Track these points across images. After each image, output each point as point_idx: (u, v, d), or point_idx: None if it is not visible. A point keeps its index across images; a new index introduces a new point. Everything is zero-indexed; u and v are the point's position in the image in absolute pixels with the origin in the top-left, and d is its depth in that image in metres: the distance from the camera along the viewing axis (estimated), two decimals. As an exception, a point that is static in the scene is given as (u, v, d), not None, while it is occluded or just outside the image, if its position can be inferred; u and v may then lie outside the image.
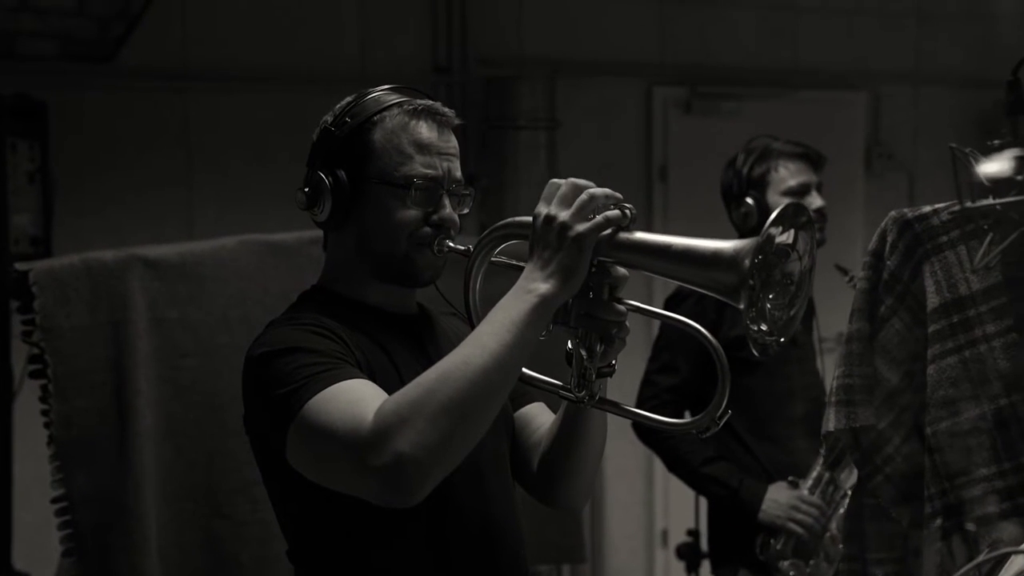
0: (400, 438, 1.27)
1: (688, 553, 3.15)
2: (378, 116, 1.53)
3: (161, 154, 3.86)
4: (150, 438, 2.30)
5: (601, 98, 4.38)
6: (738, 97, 4.50)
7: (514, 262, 1.46)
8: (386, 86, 1.58)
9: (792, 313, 1.29)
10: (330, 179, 1.52)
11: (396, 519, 1.42)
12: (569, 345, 1.42)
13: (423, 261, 1.53)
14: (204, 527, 2.36)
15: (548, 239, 1.35)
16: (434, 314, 1.66)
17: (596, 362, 1.40)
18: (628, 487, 4.43)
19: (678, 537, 3.36)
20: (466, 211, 1.57)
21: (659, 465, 4.47)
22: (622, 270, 1.38)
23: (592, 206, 1.35)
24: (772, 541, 2.52)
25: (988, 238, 1.54)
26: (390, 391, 1.36)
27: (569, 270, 1.34)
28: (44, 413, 2.27)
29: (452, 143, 1.56)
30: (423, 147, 1.52)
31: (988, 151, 1.59)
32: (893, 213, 1.72)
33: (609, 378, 1.44)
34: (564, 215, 1.35)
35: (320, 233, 1.64)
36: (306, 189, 1.55)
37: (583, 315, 1.38)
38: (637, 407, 1.51)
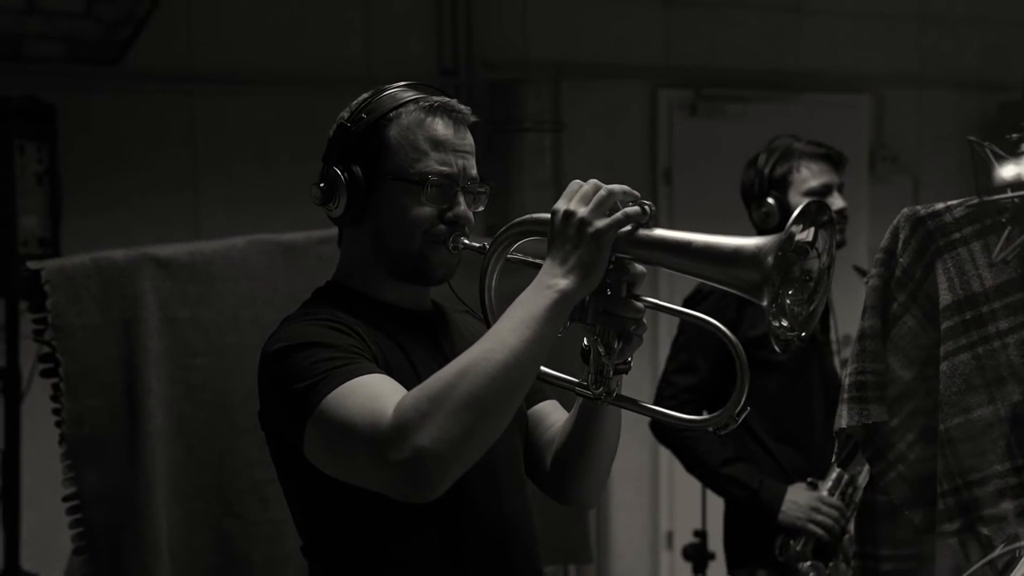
0: (420, 433, 1.28)
1: (695, 554, 3.16)
2: (394, 112, 1.53)
3: (168, 156, 3.87)
4: (161, 437, 2.30)
5: (606, 101, 4.39)
6: (743, 100, 4.51)
7: (530, 259, 1.47)
8: (402, 83, 1.58)
9: (812, 309, 1.30)
10: (345, 175, 1.52)
11: (411, 514, 1.42)
12: (585, 342, 1.43)
13: (437, 258, 1.53)
14: (215, 526, 2.36)
15: (567, 235, 1.35)
16: (448, 311, 1.66)
17: (613, 359, 1.40)
18: (634, 489, 4.43)
19: (683, 539, 3.37)
20: (481, 208, 1.58)
21: (664, 467, 4.49)
22: (640, 267, 1.39)
23: (611, 202, 1.36)
24: (792, 542, 2.52)
25: (1007, 232, 1.54)
26: (407, 387, 1.36)
27: (588, 266, 1.34)
28: (55, 412, 2.27)
29: (468, 140, 1.56)
30: (439, 144, 1.52)
31: (1006, 145, 1.59)
32: (906, 210, 1.72)
33: (625, 375, 1.44)
34: (583, 211, 1.35)
35: (330, 233, 1.64)
36: (321, 184, 1.55)
37: (601, 312, 1.39)
38: (656, 406, 1.51)
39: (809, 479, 2.54)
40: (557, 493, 1.63)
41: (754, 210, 2.66)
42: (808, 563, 2.48)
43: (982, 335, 1.66)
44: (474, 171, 1.55)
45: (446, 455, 1.28)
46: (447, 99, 1.56)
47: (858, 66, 4.72)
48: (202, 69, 3.87)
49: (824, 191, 2.60)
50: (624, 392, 1.46)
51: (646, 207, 1.36)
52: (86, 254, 2.34)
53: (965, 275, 1.67)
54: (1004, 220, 1.57)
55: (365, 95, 1.58)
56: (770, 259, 1.23)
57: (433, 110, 1.53)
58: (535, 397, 1.65)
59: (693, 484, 3.16)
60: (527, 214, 1.46)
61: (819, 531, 2.49)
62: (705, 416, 1.40)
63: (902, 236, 1.73)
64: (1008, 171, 1.65)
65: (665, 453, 4.38)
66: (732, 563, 2.70)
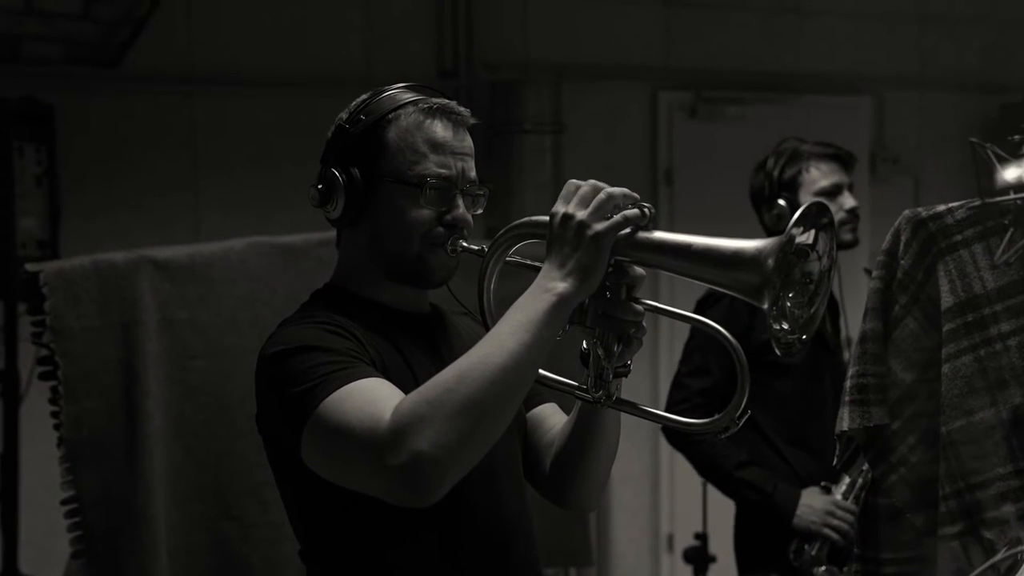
0: (418, 437, 1.27)
1: (695, 557, 3.15)
2: (393, 114, 1.52)
3: (167, 158, 3.86)
4: (159, 439, 2.30)
5: (607, 102, 4.38)
6: (743, 102, 4.50)
7: (528, 262, 1.46)
8: (401, 84, 1.57)
9: (812, 311, 1.29)
10: (344, 176, 1.52)
11: (409, 519, 1.42)
12: (584, 345, 1.42)
13: (436, 261, 1.53)
14: (213, 529, 2.36)
15: (566, 238, 1.35)
16: (447, 314, 1.65)
17: (613, 362, 1.40)
18: (634, 491, 4.43)
19: (684, 542, 3.36)
20: (480, 211, 1.57)
21: (665, 470, 4.49)
22: (639, 270, 1.38)
23: (610, 205, 1.35)
24: (806, 547, 2.51)
25: (1009, 234, 1.54)
26: (404, 391, 1.36)
27: (587, 269, 1.33)
28: (54, 415, 2.26)
29: (467, 142, 1.55)
30: (437, 146, 1.52)
31: (1007, 146, 1.59)
32: (907, 212, 1.72)
33: (625, 378, 1.44)
34: (582, 214, 1.34)
35: (329, 235, 1.63)
36: (319, 186, 1.54)
37: (600, 315, 1.38)
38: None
39: (823, 483, 2.53)
40: (556, 497, 1.62)
41: (765, 213, 2.66)
42: (823, 568, 2.47)
43: (984, 337, 1.65)
44: (473, 173, 1.55)
45: (444, 459, 1.27)
46: (446, 101, 1.55)
47: (858, 67, 4.71)
48: (201, 71, 3.87)
49: (835, 191, 2.60)
50: (623, 395, 1.45)
51: (645, 210, 1.35)
52: (85, 256, 2.34)
53: (967, 277, 1.67)
54: (1006, 222, 1.57)
55: (364, 96, 1.57)
56: (770, 261, 1.23)
57: (432, 112, 1.53)
58: (534, 400, 1.64)
59: (694, 487, 3.16)
60: (526, 216, 1.46)
61: (834, 535, 2.48)
62: (706, 419, 1.39)
63: (903, 238, 1.72)
64: (1010, 173, 1.65)
65: (665, 456, 4.41)
66: (743, 568, 2.68)
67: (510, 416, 1.34)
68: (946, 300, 1.68)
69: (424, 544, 1.46)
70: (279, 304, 2.26)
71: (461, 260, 1.54)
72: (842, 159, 2.64)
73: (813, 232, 1.27)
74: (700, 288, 2.58)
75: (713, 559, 3.15)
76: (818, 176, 2.60)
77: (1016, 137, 1.61)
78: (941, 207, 1.71)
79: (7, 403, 3.26)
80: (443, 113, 1.53)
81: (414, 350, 1.53)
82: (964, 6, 4.82)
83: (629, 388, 1.46)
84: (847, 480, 2.51)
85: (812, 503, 2.49)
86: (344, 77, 3.96)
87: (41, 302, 2.24)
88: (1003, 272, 1.64)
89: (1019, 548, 1.38)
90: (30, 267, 2.29)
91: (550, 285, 1.34)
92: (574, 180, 1.38)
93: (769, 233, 2.63)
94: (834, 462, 2.41)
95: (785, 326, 1.26)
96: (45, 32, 3.57)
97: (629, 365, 1.43)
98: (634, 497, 4.43)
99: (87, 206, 3.64)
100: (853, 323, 2.73)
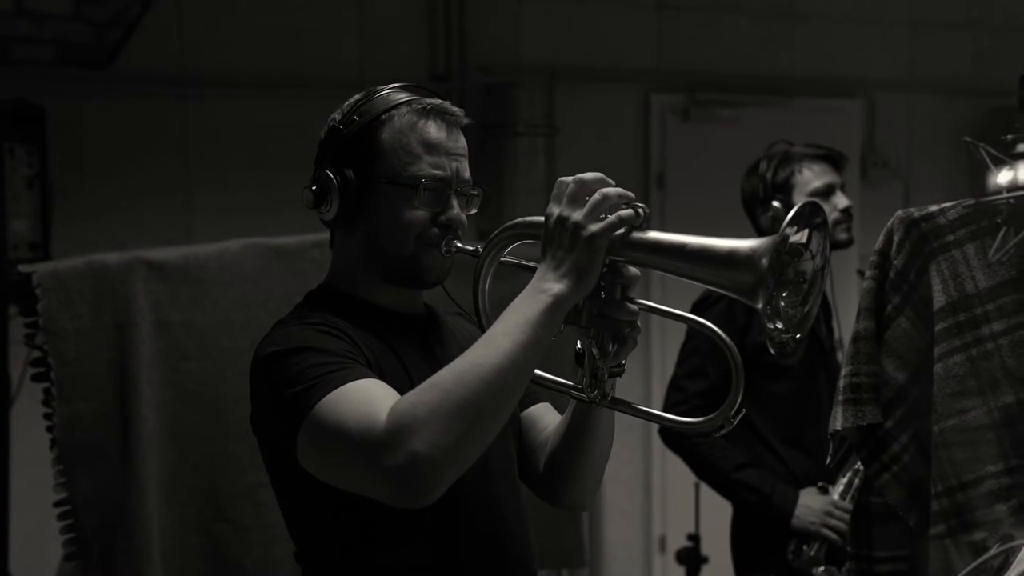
0: (415, 438, 1.27)
1: (688, 558, 3.15)
2: (387, 115, 1.52)
3: (159, 160, 3.85)
4: (153, 441, 2.29)
5: (599, 105, 4.39)
6: (735, 104, 4.51)
7: (524, 263, 1.46)
8: (395, 84, 1.57)
9: (806, 310, 1.30)
10: (338, 178, 1.52)
11: (405, 519, 1.42)
12: (579, 345, 1.42)
13: (430, 262, 1.53)
14: (207, 531, 2.35)
15: (561, 239, 1.35)
16: (441, 314, 1.65)
17: (608, 362, 1.40)
18: (626, 493, 4.43)
19: (676, 543, 3.36)
20: (473, 211, 1.57)
21: (657, 471, 4.49)
22: (634, 270, 1.38)
23: (605, 205, 1.35)
24: (805, 547, 2.51)
25: (1002, 233, 1.54)
26: (400, 391, 1.36)
27: (582, 270, 1.34)
28: (47, 416, 2.26)
29: (461, 143, 1.56)
30: (432, 147, 1.52)
31: (1001, 146, 1.60)
32: (900, 212, 1.73)
33: (619, 377, 1.44)
34: (577, 215, 1.35)
35: (323, 237, 1.63)
36: (313, 187, 1.54)
37: (596, 315, 1.38)
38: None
39: (820, 484, 2.54)
40: (550, 496, 1.63)
41: (760, 215, 2.67)
42: (822, 568, 2.48)
43: (976, 337, 1.66)
44: (467, 174, 1.55)
45: (441, 460, 1.27)
46: (440, 101, 1.55)
47: (850, 71, 4.73)
48: (194, 72, 3.86)
49: (828, 191, 2.61)
50: (617, 394, 1.45)
51: (640, 210, 1.36)
52: (78, 257, 2.33)
53: (959, 277, 1.68)
54: (999, 221, 1.57)
55: (357, 96, 1.57)
56: (764, 261, 1.23)
57: (426, 112, 1.53)
58: (528, 400, 1.65)
59: (686, 488, 3.17)
60: (520, 217, 1.46)
61: (833, 535, 2.48)
62: (700, 419, 1.39)
63: (896, 238, 1.73)
64: (1003, 177, 1.66)
65: (658, 457, 4.41)
66: (741, 569, 2.68)
67: (506, 416, 1.35)
68: (938, 300, 1.69)
69: (420, 544, 1.46)
70: (273, 306, 2.26)
71: (456, 261, 1.54)
72: (833, 159, 2.66)
73: (807, 232, 1.28)
74: (693, 288, 2.59)
75: (705, 560, 3.16)
76: (811, 177, 2.61)
77: (1009, 137, 1.62)
78: (934, 207, 1.71)
79: (-2, 406, 3.25)
80: (437, 113, 1.53)
81: (409, 351, 1.53)
82: (955, 12, 4.84)
83: (621, 388, 1.47)
84: (844, 480, 2.52)
85: (810, 504, 2.50)
86: (337, 79, 3.96)
87: (34, 303, 2.24)
88: (995, 272, 1.65)
89: (1010, 545, 1.39)
90: (23, 268, 2.29)
91: (546, 286, 1.34)
92: (564, 178, 1.38)
93: (763, 236, 2.63)
94: (827, 461, 2.42)
95: (779, 325, 1.27)
96: (36, 33, 3.56)
97: (623, 364, 1.43)
98: (626, 498, 4.43)
99: (78, 208, 3.63)
100: (845, 324, 2.74)
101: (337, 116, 1.56)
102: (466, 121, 1.56)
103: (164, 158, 3.86)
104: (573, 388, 1.45)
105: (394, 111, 1.53)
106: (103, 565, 2.24)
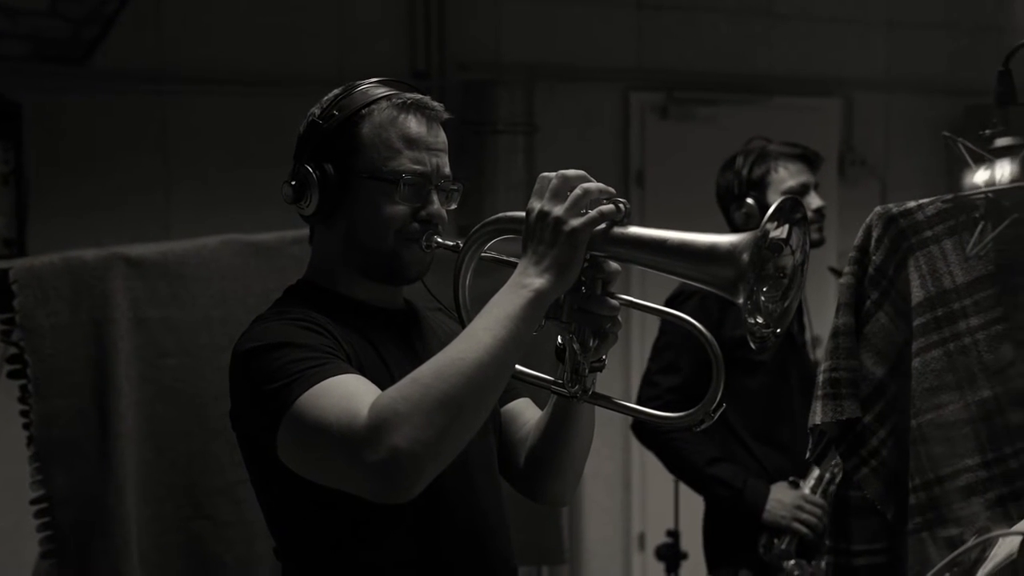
0: (396, 433, 1.27)
1: (667, 554, 3.17)
2: (366, 109, 1.52)
3: (137, 157, 3.83)
4: (131, 438, 2.27)
5: (579, 103, 4.40)
6: (714, 103, 4.53)
7: (504, 258, 1.46)
8: (374, 79, 1.57)
9: (786, 305, 1.30)
10: (317, 173, 1.51)
11: (386, 514, 1.42)
12: (560, 340, 1.43)
13: (411, 257, 1.53)
14: (185, 528, 2.34)
15: (542, 234, 1.35)
16: (421, 309, 1.65)
17: (589, 357, 1.41)
18: (606, 490, 4.44)
19: (655, 540, 3.38)
20: (454, 206, 1.57)
21: (636, 468, 4.50)
22: (614, 265, 1.39)
23: (586, 201, 1.36)
24: (776, 541, 2.53)
25: (980, 227, 1.56)
26: (380, 386, 1.36)
27: (563, 265, 1.34)
28: (24, 413, 2.24)
29: (441, 138, 1.56)
30: (412, 142, 1.51)
31: (979, 141, 1.61)
32: (878, 208, 1.74)
33: (600, 372, 1.44)
34: (558, 210, 1.35)
35: (303, 233, 1.63)
36: (292, 182, 1.53)
37: (576, 310, 1.39)
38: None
39: (791, 478, 2.56)
40: (531, 491, 1.63)
41: (734, 211, 2.68)
42: (792, 561, 2.50)
43: (953, 331, 1.67)
44: (447, 169, 1.55)
45: (422, 455, 1.27)
46: (420, 96, 1.55)
47: (828, 70, 4.76)
48: (172, 69, 3.84)
49: (802, 190, 2.63)
50: (598, 389, 1.45)
51: (621, 205, 1.36)
52: (55, 253, 2.31)
53: (937, 272, 1.69)
54: (977, 216, 1.58)
55: (336, 91, 1.56)
56: (745, 256, 1.24)
57: (406, 107, 1.53)
58: (508, 395, 1.65)
59: (665, 485, 3.18)
60: (501, 213, 1.46)
61: (803, 529, 2.50)
62: (681, 414, 1.40)
63: (875, 234, 1.74)
64: (980, 176, 1.67)
65: (637, 455, 4.43)
66: (712, 563, 2.70)
67: (487, 411, 1.35)
68: (916, 295, 1.70)
69: (401, 540, 1.46)
70: (252, 302, 2.24)
71: (436, 256, 1.54)
72: (809, 159, 2.68)
73: (787, 227, 1.29)
74: (673, 284, 2.60)
75: (685, 556, 3.17)
76: (786, 176, 2.63)
77: (987, 132, 1.63)
78: (912, 203, 1.72)
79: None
80: (417, 108, 1.53)
81: (389, 346, 1.53)
82: (932, 11, 4.88)
83: (602, 383, 1.47)
84: (815, 475, 2.54)
85: (781, 498, 2.52)
86: (316, 77, 3.94)
87: (10, 299, 2.22)
88: (972, 267, 1.66)
89: (986, 536, 1.40)
90: (-1, 264, 2.27)
91: (527, 281, 1.34)
92: (546, 173, 1.38)
93: (737, 231, 2.64)
94: (807, 455, 2.44)
95: (760, 320, 1.27)
96: (11, 29, 3.53)
97: (604, 359, 1.43)
98: (606, 495, 4.44)
99: (55, 205, 3.60)
100: (817, 322, 2.76)
101: (316, 111, 1.56)
102: (446, 116, 1.57)
103: (142, 155, 3.84)
104: (554, 383, 1.45)
105: (374, 106, 1.52)
106: (80, 563, 2.22)
